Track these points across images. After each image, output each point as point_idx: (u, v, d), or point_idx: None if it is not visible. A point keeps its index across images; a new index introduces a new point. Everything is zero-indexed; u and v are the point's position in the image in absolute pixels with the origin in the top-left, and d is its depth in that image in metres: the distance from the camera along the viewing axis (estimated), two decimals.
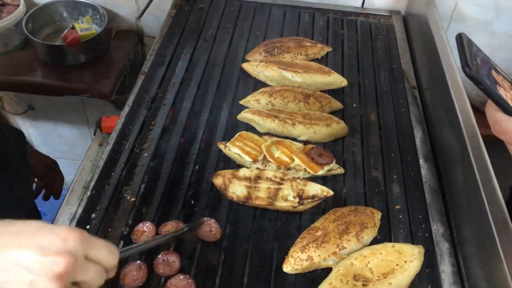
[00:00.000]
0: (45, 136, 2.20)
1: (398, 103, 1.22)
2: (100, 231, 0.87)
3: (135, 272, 0.80)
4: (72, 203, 1.35)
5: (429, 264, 0.88)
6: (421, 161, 1.08)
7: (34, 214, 1.29)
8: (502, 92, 0.71)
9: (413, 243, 0.91)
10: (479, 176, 0.88)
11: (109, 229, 0.88)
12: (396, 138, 1.13)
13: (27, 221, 0.56)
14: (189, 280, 0.80)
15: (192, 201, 0.94)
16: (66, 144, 2.23)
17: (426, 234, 0.93)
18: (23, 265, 0.53)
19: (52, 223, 1.33)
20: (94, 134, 1.57)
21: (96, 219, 0.88)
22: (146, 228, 0.87)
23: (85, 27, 1.61)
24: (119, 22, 1.77)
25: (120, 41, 1.74)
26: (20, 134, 1.26)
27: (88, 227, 0.87)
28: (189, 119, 1.11)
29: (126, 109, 1.13)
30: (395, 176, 1.04)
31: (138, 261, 0.81)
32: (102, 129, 1.51)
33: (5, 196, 1.07)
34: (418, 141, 1.13)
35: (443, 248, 0.92)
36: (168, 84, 1.20)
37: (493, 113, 0.71)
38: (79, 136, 2.21)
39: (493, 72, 0.74)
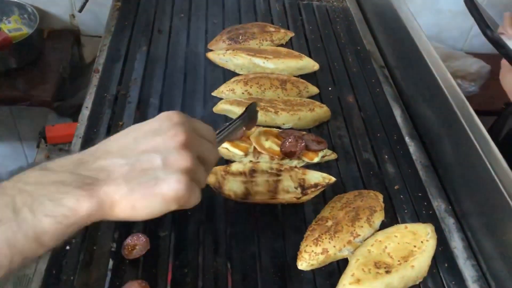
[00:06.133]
0: None
1: (371, 83, 1.19)
2: (84, 250, 0.74)
3: None
4: None
5: (440, 242, 0.85)
6: (407, 139, 1.05)
7: None
8: None
9: (419, 222, 0.88)
10: (479, 146, 0.86)
11: (94, 247, 0.75)
12: (378, 118, 1.09)
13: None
14: None
15: None
16: None
17: (430, 212, 0.90)
18: (150, 150, 0.53)
19: None
20: (38, 147, 1.40)
21: (77, 238, 0.76)
22: (138, 241, 0.76)
23: (14, 27, 1.44)
24: (51, 21, 1.60)
25: (55, 42, 1.58)
26: None
27: (68, 247, 0.74)
28: None
29: (86, 112, 0.99)
30: (386, 156, 1.00)
31: (139, 280, 0.70)
32: (48, 139, 1.34)
33: None
34: (399, 119, 1.11)
35: (449, 223, 0.90)
36: (129, 80, 1.08)
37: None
38: (9, 154, 1.98)
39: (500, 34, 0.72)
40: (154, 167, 0.51)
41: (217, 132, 0.67)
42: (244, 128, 0.79)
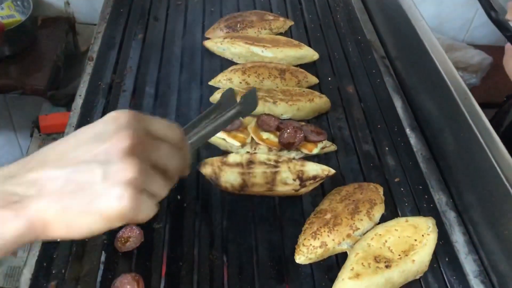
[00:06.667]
0: None
1: (371, 74, 1.17)
2: (76, 243, 0.72)
3: (128, 286, 0.67)
4: None
5: (441, 236, 0.83)
6: (408, 131, 1.03)
7: None
8: None
9: (420, 215, 0.86)
10: (482, 138, 0.84)
11: (86, 239, 0.73)
12: (378, 109, 1.07)
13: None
14: None
15: (179, 196, 0.81)
16: None
17: (431, 205, 0.88)
18: (89, 159, 0.45)
19: None
20: (31, 136, 1.37)
21: None
22: (132, 233, 0.74)
23: (7, 14, 1.40)
24: (45, 9, 1.56)
25: (49, 29, 1.54)
26: None
27: (58, 239, 0.72)
28: (156, 105, 0.98)
29: (79, 101, 0.97)
30: (386, 148, 0.98)
31: (132, 273, 0.68)
32: (41, 129, 1.32)
33: None
34: (399, 110, 1.08)
35: (450, 217, 0.88)
36: (124, 68, 1.05)
37: None
38: (3, 143, 1.95)
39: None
40: (92, 180, 0.44)
41: (195, 122, 0.57)
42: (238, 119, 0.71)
